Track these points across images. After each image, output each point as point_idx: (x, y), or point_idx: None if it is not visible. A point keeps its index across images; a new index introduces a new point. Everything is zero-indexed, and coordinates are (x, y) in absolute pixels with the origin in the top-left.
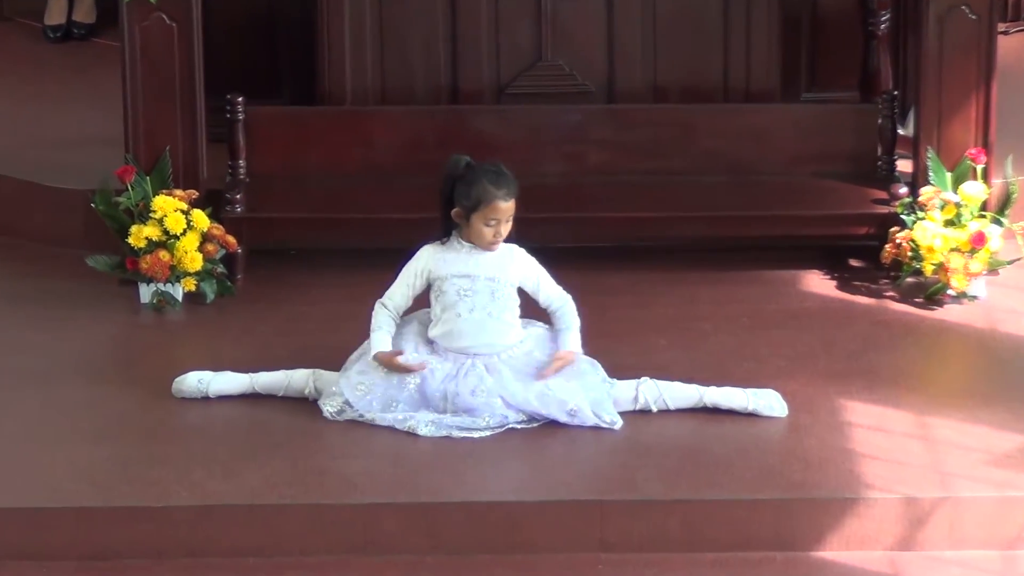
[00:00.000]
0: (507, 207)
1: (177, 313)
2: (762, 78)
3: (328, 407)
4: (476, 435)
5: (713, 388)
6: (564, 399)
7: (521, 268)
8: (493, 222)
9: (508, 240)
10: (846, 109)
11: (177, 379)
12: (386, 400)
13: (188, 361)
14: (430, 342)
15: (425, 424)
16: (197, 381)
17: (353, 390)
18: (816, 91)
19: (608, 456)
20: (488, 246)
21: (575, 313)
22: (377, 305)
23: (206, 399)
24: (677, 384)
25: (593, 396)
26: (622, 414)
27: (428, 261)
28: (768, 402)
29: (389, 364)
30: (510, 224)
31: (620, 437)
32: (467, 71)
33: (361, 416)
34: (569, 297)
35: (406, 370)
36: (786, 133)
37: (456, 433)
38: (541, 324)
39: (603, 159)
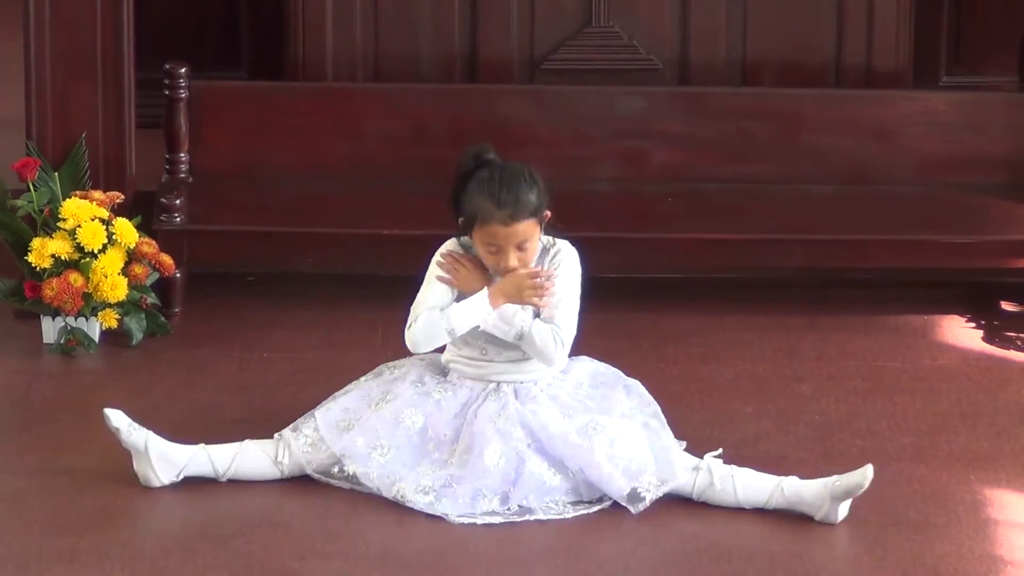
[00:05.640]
0: (508, 232)
1: (92, 358)
2: (888, 54)
3: (296, 438)
4: (479, 522)
5: (793, 478)
6: (617, 440)
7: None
8: (493, 248)
9: (558, 235)
10: (1001, 99)
11: None
12: (373, 439)
13: (105, 423)
14: (441, 372)
15: (415, 490)
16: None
17: (332, 423)
18: (961, 73)
19: (670, 559)
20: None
21: (550, 336)
22: (410, 323)
23: None
24: (749, 471)
25: (663, 456)
26: (674, 498)
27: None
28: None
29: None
30: (528, 252)
31: (689, 533)
32: (490, 36)
33: (342, 470)
34: (562, 333)
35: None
36: (920, 129)
37: (455, 518)
38: (601, 362)
39: (672, 160)
